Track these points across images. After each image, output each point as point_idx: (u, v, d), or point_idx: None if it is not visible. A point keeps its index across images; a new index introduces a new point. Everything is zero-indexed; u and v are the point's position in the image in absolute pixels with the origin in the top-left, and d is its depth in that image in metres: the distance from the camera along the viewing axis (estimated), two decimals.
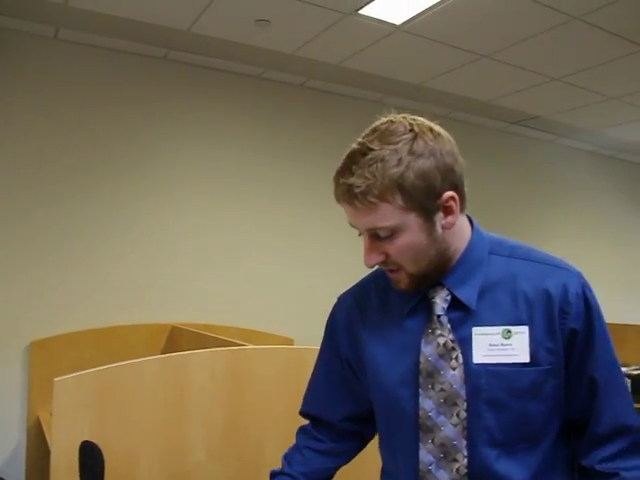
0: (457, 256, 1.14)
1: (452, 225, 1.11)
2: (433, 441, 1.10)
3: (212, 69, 4.62)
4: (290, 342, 4.50)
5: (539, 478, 1.11)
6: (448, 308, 1.13)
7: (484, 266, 1.14)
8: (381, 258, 1.10)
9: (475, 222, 1.21)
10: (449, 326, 1.12)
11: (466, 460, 1.09)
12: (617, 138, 6.43)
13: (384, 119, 1.12)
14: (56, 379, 2.06)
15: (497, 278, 1.13)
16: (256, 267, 4.71)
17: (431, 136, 1.08)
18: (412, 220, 1.06)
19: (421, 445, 1.12)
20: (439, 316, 1.13)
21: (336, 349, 1.32)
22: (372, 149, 1.05)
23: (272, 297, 4.74)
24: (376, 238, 1.09)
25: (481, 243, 1.17)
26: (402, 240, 1.07)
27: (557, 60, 4.37)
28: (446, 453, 1.10)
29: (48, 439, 3.03)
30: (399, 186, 1.03)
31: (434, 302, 1.14)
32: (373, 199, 1.04)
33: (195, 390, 2.31)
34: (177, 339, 3.99)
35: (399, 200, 1.04)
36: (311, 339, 4.27)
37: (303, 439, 1.43)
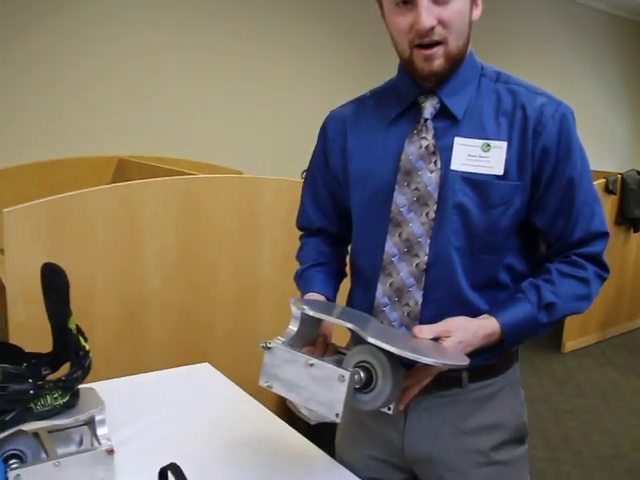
0: (457, 65, 1.18)
1: (477, 18, 1.17)
2: (400, 235, 1.19)
3: None
4: (239, 174, 4.51)
5: (487, 293, 1.19)
6: (435, 116, 1.19)
7: (474, 84, 1.20)
8: (434, 22, 1.11)
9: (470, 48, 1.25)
10: (433, 132, 1.18)
11: (426, 257, 1.17)
12: None
13: None
14: (5, 210, 2.04)
15: (484, 98, 1.19)
16: (206, 98, 4.59)
17: None
18: None
19: (388, 237, 1.21)
20: (426, 120, 1.19)
21: (326, 162, 1.36)
22: None
23: (221, 130, 4.67)
24: (434, 1, 1.10)
25: (475, 64, 1.22)
26: (457, 4, 1.11)
27: None
28: (409, 248, 1.19)
29: None
30: None
31: (423, 107, 1.19)
32: None
33: (148, 219, 2.31)
34: (125, 171, 3.91)
35: None
36: (258, 171, 4.30)
37: (305, 242, 1.47)
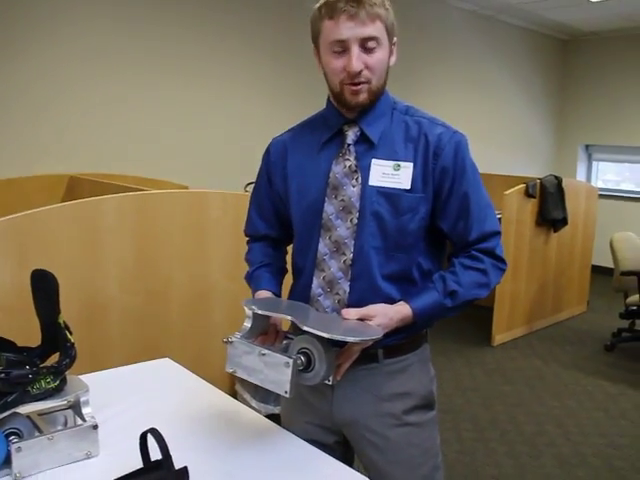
0: (377, 99, 1.46)
1: (393, 64, 1.45)
2: (330, 238, 1.47)
3: None
4: (185, 189, 4.69)
5: (399, 285, 1.46)
6: (356, 141, 1.47)
7: (388, 116, 1.49)
8: (362, 66, 1.37)
9: None
10: (355, 154, 1.46)
11: (352, 255, 1.45)
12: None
13: None
14: None
15: (395, 127, 1.48)
16: (148, 115, 4.72)
17: None
18: (386, 42, 1.40)
19: (321, 240, 1.48)
20: (349, 145, 1.47)
21: (269, 180, 1.61)
22: None
23: (166, 146, 4.82)
24: (363, 50, 1.37)
25: (388, 99, 1.51)
26: (380, 54, 1.38)
27: None
28: (338, 247, 1.46)
29: None
30: (386, 17, 1.39)
31: (347, 134, 1.48)
32: (378, 11, 1.36)
33: (106, 232, 2.52)
34: (76, 189, 4.06)
35: (384, 26, 1.39)
36: (203, 185, 4.47)
37: (252, 246, 1.71)
